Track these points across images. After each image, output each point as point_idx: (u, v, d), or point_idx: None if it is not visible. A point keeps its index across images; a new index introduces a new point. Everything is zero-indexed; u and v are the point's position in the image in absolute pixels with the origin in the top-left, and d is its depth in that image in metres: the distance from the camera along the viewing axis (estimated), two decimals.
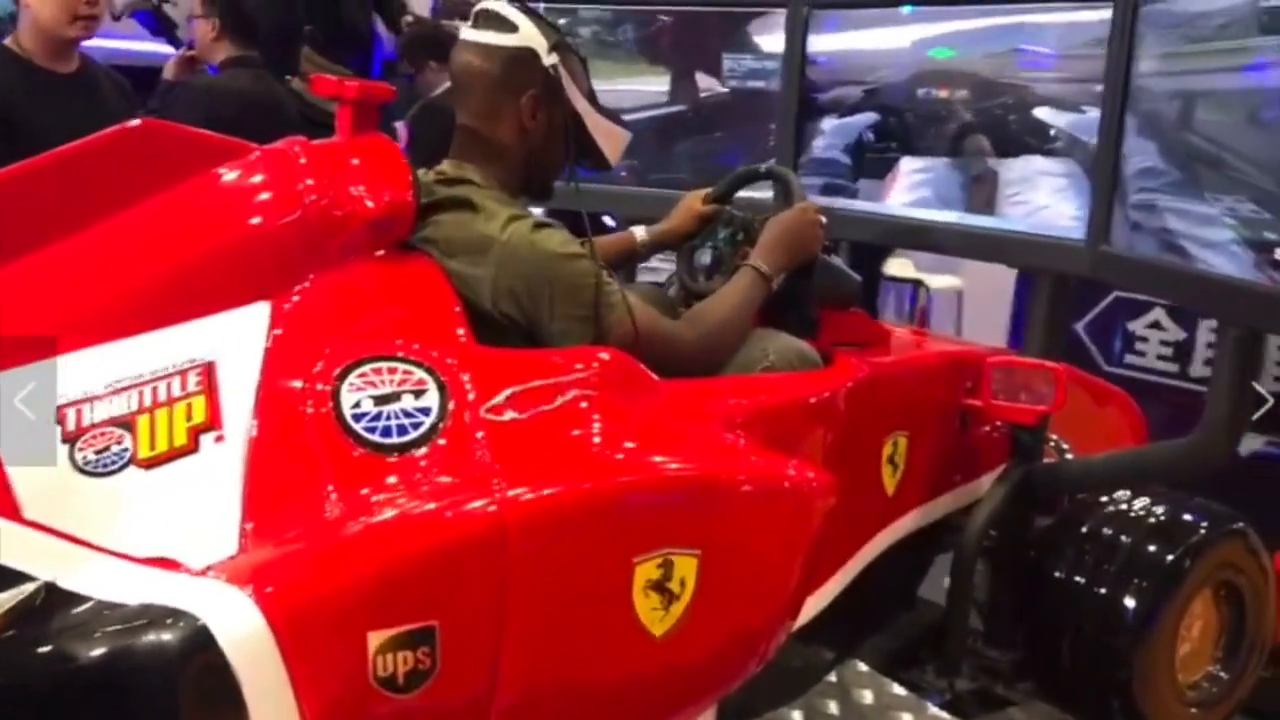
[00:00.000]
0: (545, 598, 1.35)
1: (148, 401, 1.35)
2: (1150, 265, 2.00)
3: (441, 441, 1.37)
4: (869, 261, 3.92)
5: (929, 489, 2.28)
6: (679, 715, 1.57)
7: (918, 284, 5.07)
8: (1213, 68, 1.90)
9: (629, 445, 1.49)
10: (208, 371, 1.38)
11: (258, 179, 1.54)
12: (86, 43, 2.94)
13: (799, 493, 1.62)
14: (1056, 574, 2.25)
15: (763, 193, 2.49)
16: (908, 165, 2.56)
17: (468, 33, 1.80)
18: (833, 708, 1.98)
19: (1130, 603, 2.15)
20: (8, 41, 2.88)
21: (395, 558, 1.26)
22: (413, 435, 1.37)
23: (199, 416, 1.34)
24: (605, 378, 1.53)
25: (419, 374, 1.42)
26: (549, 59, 1.75)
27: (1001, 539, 2.30)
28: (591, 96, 1.84)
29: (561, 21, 1.84)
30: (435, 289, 1.56)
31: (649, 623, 1.44)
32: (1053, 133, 2.29)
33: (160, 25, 4.18)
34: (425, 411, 1.39)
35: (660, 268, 2.69)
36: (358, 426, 1.36)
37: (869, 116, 2.61)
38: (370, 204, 1.54)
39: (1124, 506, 2.30)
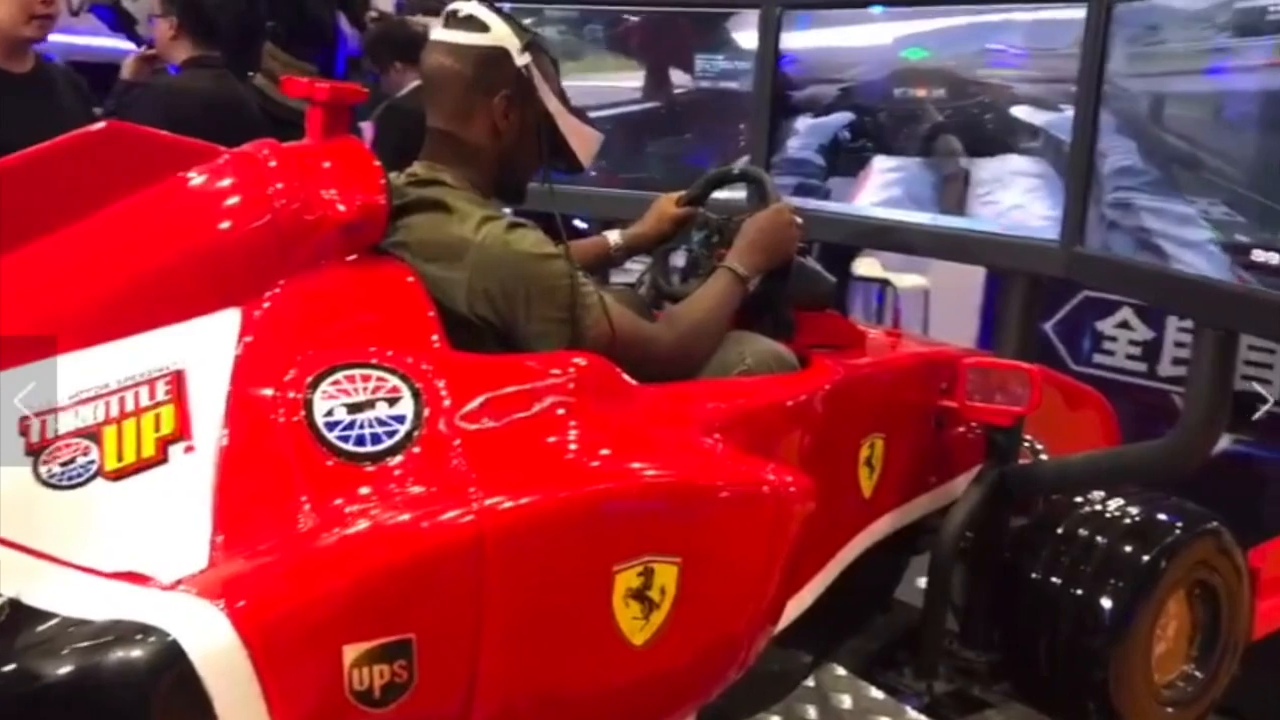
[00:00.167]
0: (524, 608, 1.33)
1: (114, 412, 1.32)
2: (1125, 266, 2.00)
3: (416, 450, 1.35)
4: (839, 262, 3.92)
5: (905, 491, 2.28)
6: None
7: (885, 283, 5.09)
8: (1187, 68, 1.90)
9: (607, 452, 1.47)
10: (176, 380, 1.35)
11: (227, 182, 1.51)
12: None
13: (779, 497, 1.61)
14: (1033, 575, 2.25)
15: (737, 194, 2.48)
16: (880, 164, 2.55)
17: (439, 33, 1.78)
18: (811, 713, 1.97)
19: (1106, 603, 2.16)
20: None
21: (370, 569, 1.24)
22: (387, 444, 1.35)
23: (168, 427, 1.31)
24: (582, 383, 1.51)
25: (393, 381, 1.40)
26: (521, 59, 1.73)
27: (977, 540, 2.30)
28: (563, 97, 1.82)
29: (527, 21, 1.82)
30: (409, 294, 1.53)
31: (629, 632, 1.42)
32: (1027, 132, 2.29)
33: (119, 21, 4.13)
34: (400, 419, 1.37)
35: (631, 268, 2.67)
36: (331, 435, 1.33)
37: (844, 116, 2.60)
38: (342, 208, 1.51)
39: (1099, 507, 2.30)
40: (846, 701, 2.02)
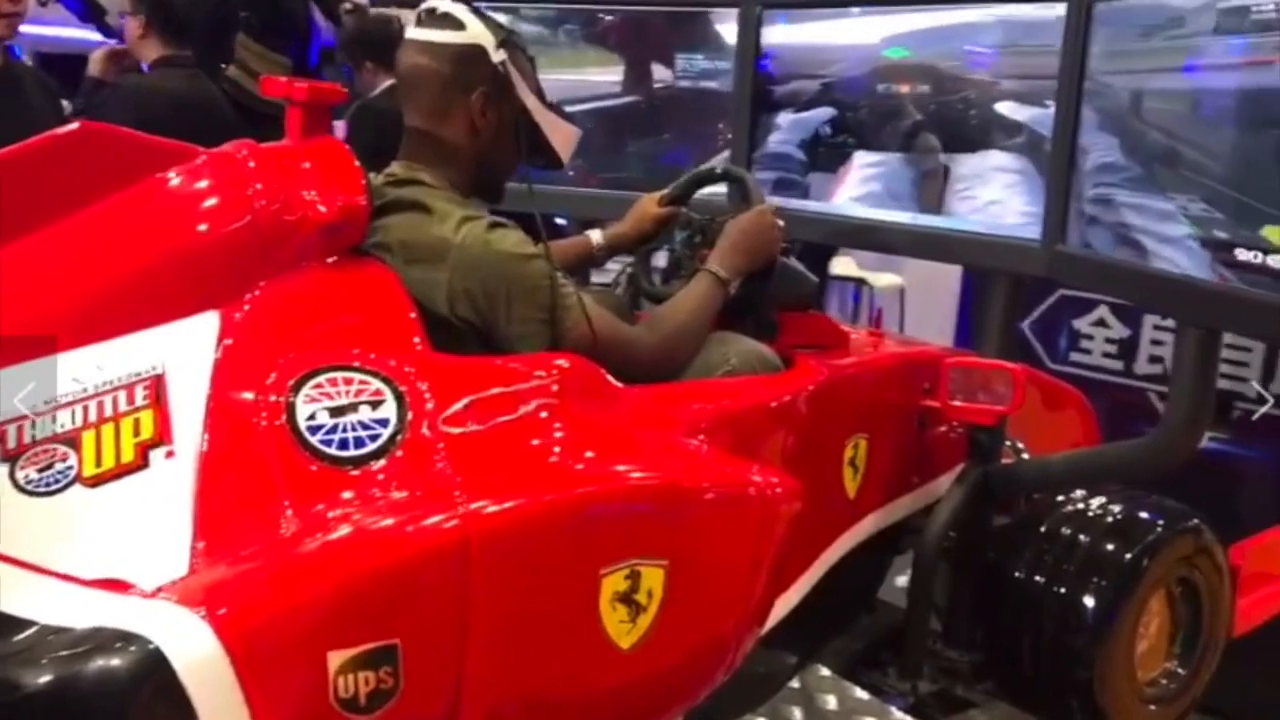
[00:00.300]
0: (510, 613, 1.32)
1: (93, 417, 1.30)
2: (1107, 265, 2.00)
3: (400, 454, 1.34)
4: (816, 261, 3.93)
5: (889, 491, 2.27)
6: None
7: (861, 282, 5.11)
8: (1168, 65, 1.91)
9: (593, 454, 1.46)
10: (156, 384, 1.33)
11: (205, 183, 1.49)
12: None
13: (765, 498, 1.60)
14: (1016, 574, 2.25)
15: (718, 192, 2.47)
16: (860, 160, 2.55)
17: (414, 32, 1.76)
18: (797, 714, 1.97)
19: (1090, 602, 2.16)
20: None
21: (355, 575, 1.22)
22: (370, 448, 1.33)
23: (147, 431, 1.29)
24: (566, 385, 1.50)
25: (375, 384, 1.39)
26: (497, 56, 1.72)
27: (960, 540, 2.30)
28: (540, 93, 1.82)
29: (502, 19, 1.81)
30: (390, 295, 1.52)
31: (616, 635, 1.41)
32: (1007, 128, 2.29)
33: (89, 12, 4.07)
34: (383, 423, 1.35)
35: (610, 268, 2.67)
36: (313, 439, 1.32)
37: (825, 111, 2.59)
38: (323, 208, 1.49)
39: (1081, 506, 2.31)
40: (832, 702, 2.02)
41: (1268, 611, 2.53)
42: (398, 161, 1.76)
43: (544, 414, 1.46)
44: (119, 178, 1.46)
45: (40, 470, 1.25)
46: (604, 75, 2.91)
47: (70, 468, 1.26)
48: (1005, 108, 2.28)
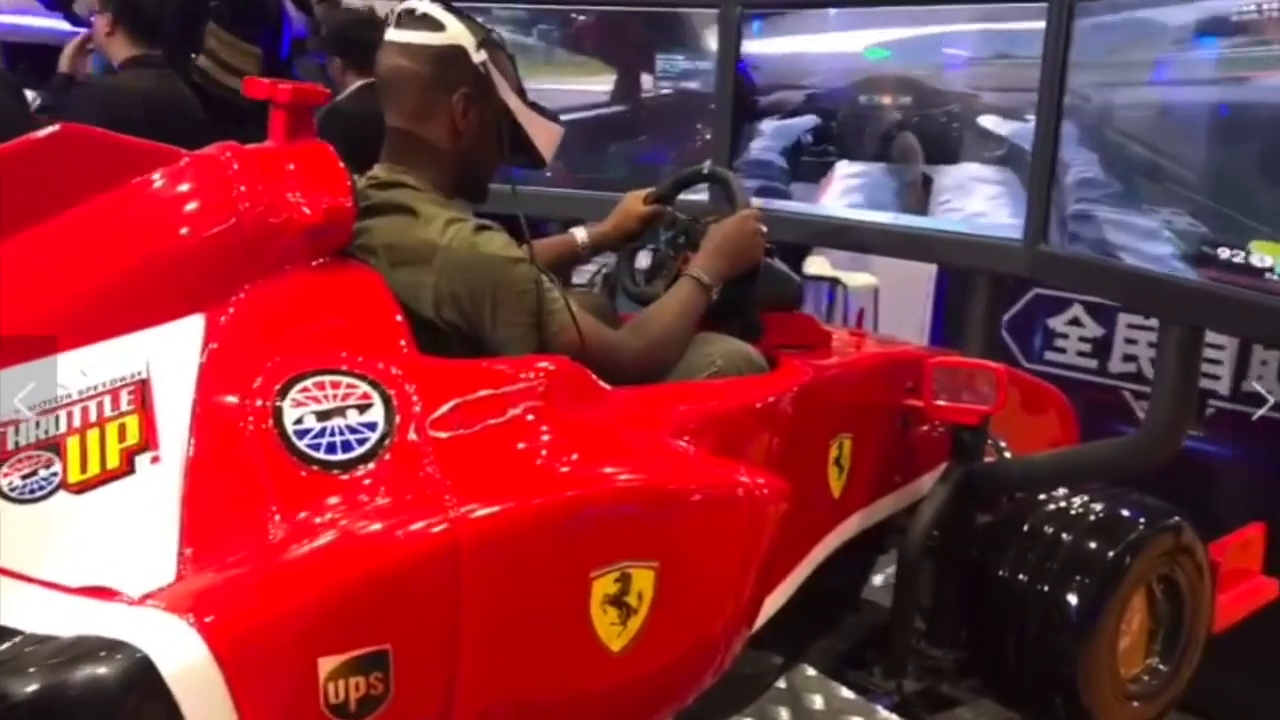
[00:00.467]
0: (501, 617, 1.32)
1: (77, 422, 1.28)
2: (1089, 264, 2.02)
3: (388, 457, 1.33)
4: (791, 262, 3.93)
5: (873, 490, 2.28)
6: None
7: (835, 282, 5.12)
8: (1148, 79, 1.92)
9: (582, 456, 1.46)
10: (141, 389, 1.32)
11: (189, 186, 1.48)
12: None
13: (753, 499, 1.60)
14: (1000, 573, 2.25)
15: (699, 194, 2.47)
16: (843, 169, 2.56)
17: (394, 34, 1.75)
18: (784, 715, 1.97)
19: (1073, 599, 2.17)
20: None
21: (344, 580, 1.22)
22: (358, 451, 1.32)
23: (133, 437, 1.28)
24: (554, 387, 1.50)
25: (363, 387, 1.38)
26: (478, 56, 1.71)
27: (944, 539, 2.30)
28: (522, 92, 1.81)
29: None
30: (376, 298, 1.51)
31: (607, 638, 1.41)
32: (989, 140, 2.31)
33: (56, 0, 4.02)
34: (371, 427, 1.35)
35: (585, 268, 2.66)
36: (301, 444, 1.31)
37: (807, 120, 2.60)
38: (308, 211, 1.48)
39: (1063, 504, 2.32)
40: (818, 702, 2.02)
41: (1246, 607, 2.55)
42: (380, 164, 1.75)
43: (532, 416, 1.45)
44: (101, 180, 1.44)
45: (24, 477, 1.24)
46: (581, 84, 2.90)
47: (55, 474, 1.24)
48: (987, 120, 2.30)
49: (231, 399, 1.33)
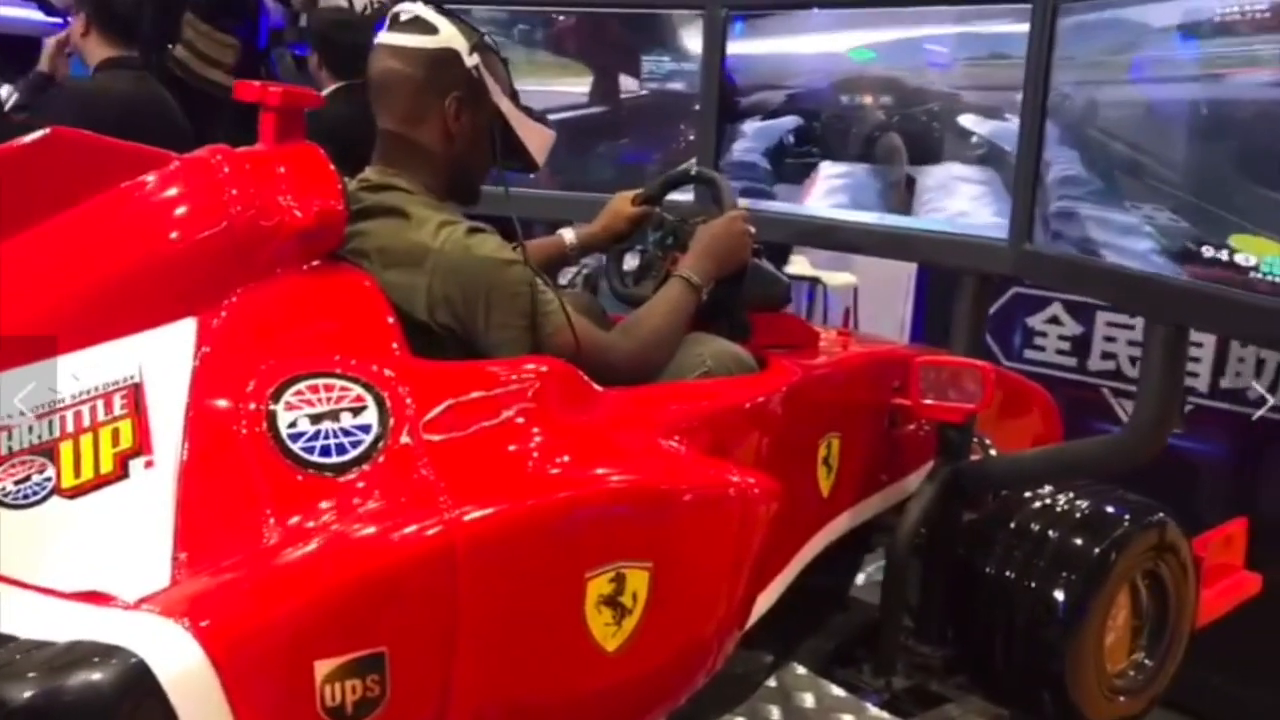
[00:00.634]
0: (496, 618, 1.32)
1: (70, 427, 1.28)
2: (1075, 264, 2.03)
3: (383, 460, 1.33)
4: (775, 262, 3.94)
5: (861, 489, 2.29)
6: None
7: (815, 281, 5.14)
8: (1130, 78, 1.93)
9: (575, 458, 1.46)
10: (134, 393, 1.32)
11: (180, 189, 1.47)
12: None
13: (745, 499, 1.61)
14: (987, 569, 2.27)
15: (685, 195, 2.48)
16: (827, 170, 2.57)
17: (386, 36, 1.75)
18: (775, 713, 1.98)
19: (1060, 596, 2.18)
20: None
21: (340, 583, 1.21)
22: (352, 454, 1.32)
23: (126, 441, 1.28)
24: (547, 388, 1.50)
25: (356, 390, 1.38)
26: (471, 60, 1.71)
27: (931, 536, 2.31)
28: (514, 96, 1.81)
29: None
30: (368, 300, 1.51)
31: (602, 638, 1.42)
32: (971, 140, 2.32)
33: None
34: (365, 429, 1.35)
35: (565, 269, 2.66)
36: (295, 447, 1.31)
37: (790, 121, 2.61)
38: (299, 214, 1.48)
39: (1049, 501, 2.33)
40: (809, 700, 2.03)
41: (1229, 602, 2.57)
42: (372, 166, 1.75)
43: (526, 418, 1.46)
44: (91, 184, 1.44)
45: (18, 482, 1.23)
46: (562, 86, 2.90)
47: (48, 479, 1.24)
48: (969, 120, 2.31)
49: (225, 403, 1.32)
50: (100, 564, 1.20)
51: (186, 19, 3.82)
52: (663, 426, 1.65)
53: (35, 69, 3.42)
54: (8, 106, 3.22)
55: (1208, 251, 1.70)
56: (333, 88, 3.56)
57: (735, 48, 2.66)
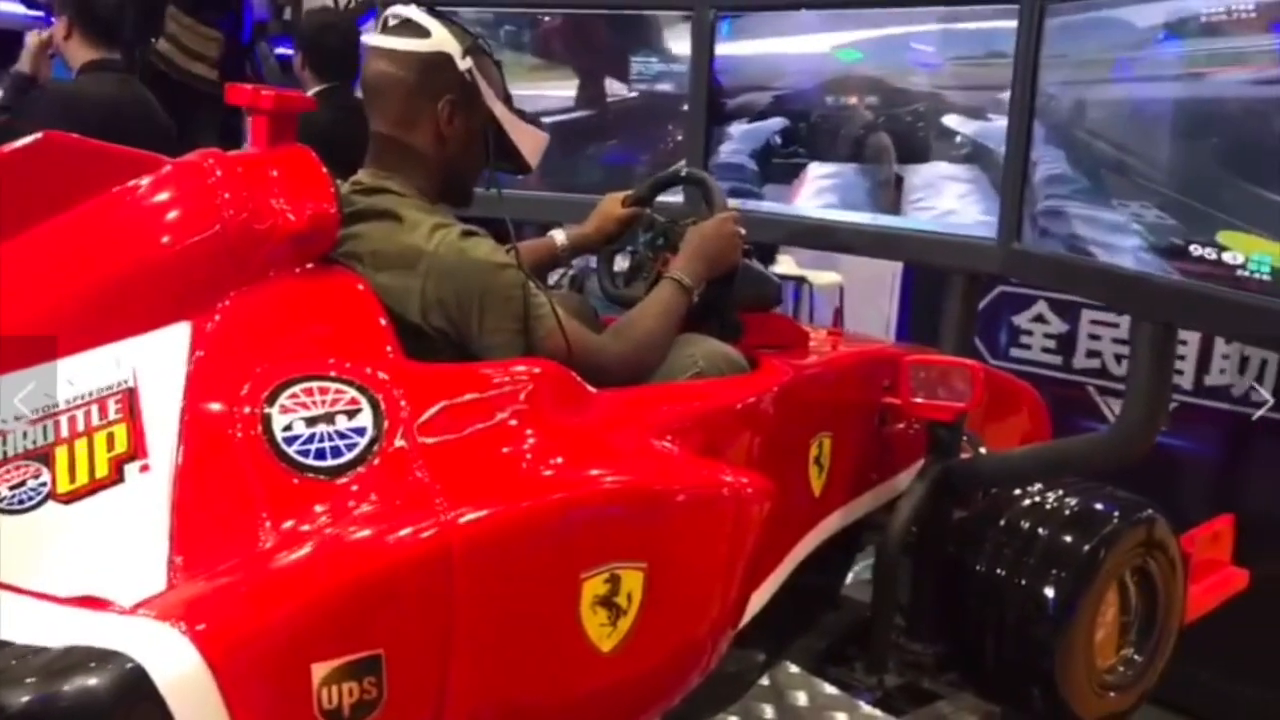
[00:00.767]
0: (492, 619, 1.32)
1: (65, 432, 1.28)
2: (1063, 262, 2.04)
3: (378, 462, 1.33)
4: (762, 261, 3.95)
5: (852, 488, 2.30)
6: None
7: (801, 280, 5.15)
8: (1120, 76, 1.95)
9: (570, 459, 1.46)
10: (128, 398, 1.32)
11: (173, 193, 1.47)
12: None
13: (738, 499, 1.62)
14: (977, 567, 2.28)
15: (675, 196, 2.48)
16: (815, 171, 2.58)
17: (378, 39, 1.75)
18: (769, 712, 1.98)
19: (1050, 593, 2.19)
20: None
21: (336, 585, 1.22)
22: (348, 457, 1.33)
23: (121, 446, 1.28)
24: (541, 390, 1.51)
25: (351, 393, 1.38)
26: (464, 63, 1.71)
27: (922, 534, 2.32)
28: (508, 99, 1.81)
29: None
30: (362, 303, 1.51)
31: (597, 639, 1.42)
32: (958, 139, 2.33)
33: None
34: (360, 432, 1.35)
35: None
36: (290, 450, 1.31)
37: (776, 122, 2.62)
38: (292, 217, 1.48)
39: (1039, 499, 2.34)
40: (802, 699, 2.03)
41: (1217, 598, 2.59)
42: (364, 169, 1.75)
43: (520, 419, 1.46)
44: (84, 188, 1.44)
45: (12, 487, 1.23)
46: (550, 87, 2.90)
47: (44, 484, 1.24)
48: (956, 119, 2.32)
49: (219, 406, 1.33)
50: (96, 569, 1.20)
51: (170, 12, 3.79)
52: (656, 427, 1.66)
53: (15, 69, 3.39)
54: None
55: (1195, 249, 1.72)
56: (317, 89, 3.56)
57: (721, 49, 2.66)
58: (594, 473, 1.47)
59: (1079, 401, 3.33)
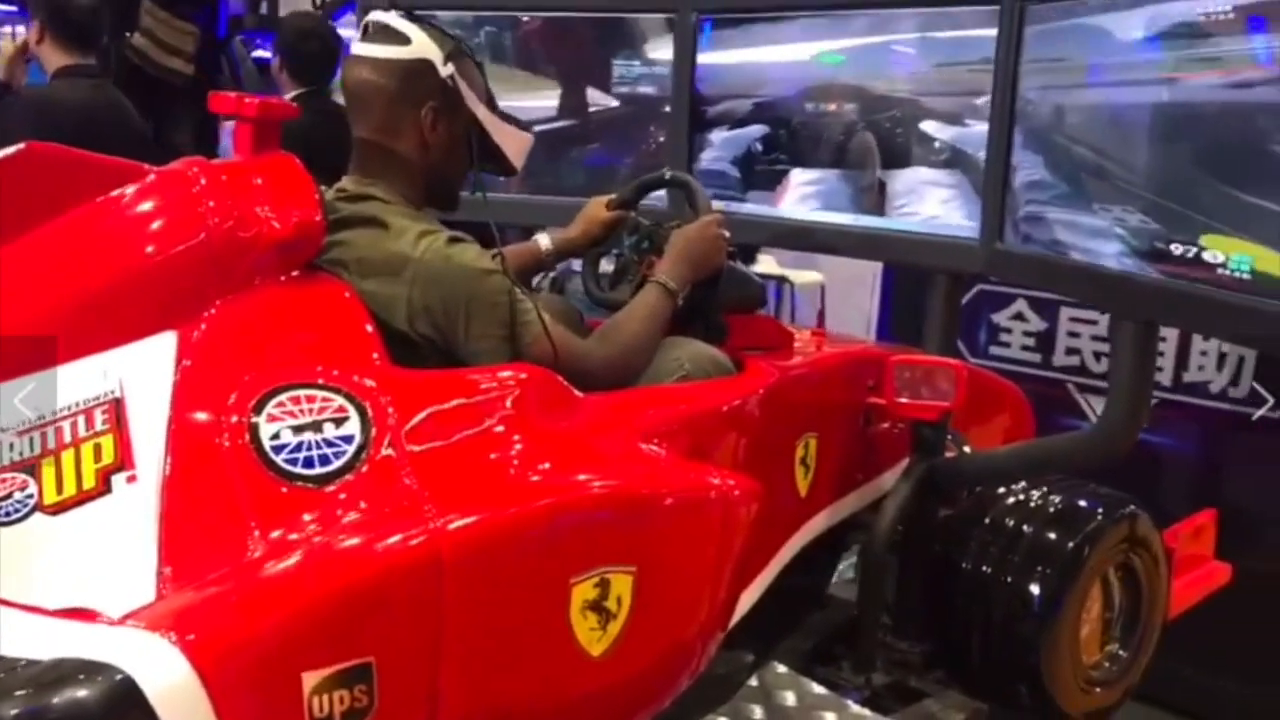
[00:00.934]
0: (483, 625, 1.32)
1: (52, 443, 1.28)
2: (1045, 261, 2.06)
3: (366, 470, 1.33)
4: (744, 262, 3.96)
5: (838, 488, 2.31)
6: None
7: (782, 280, 5.16)
8: (1095, 82, 1.96)
9: (557, 464, 1.47)
10: (115, 408, 1.31)
11: (157, 202, 1.47)
12: None
13: (726, 501, 1.62)
14: (963, 565, 2.29)
15: (658, 200, 2.49)
16: (798, 177, 2.59)
17: (359, 47, 1.75)
18: (758, 712, 1.99)
19: (1035, 590, 2.21)
20: None
21: (326, 594, 1.22)
22: (336, 465, 1.33)
23: (108, 456, 1.27)
24: (528, 395, 1.51)
25: (338, 401, 1.38)
26: (445, 69, 1.71)
27: (907, 533, 2.33)
28: (491, 102, 1.81)
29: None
30: (348, 310, 1.51)
31: (587, 643, 1.42)
32: (938, 144, 2.34)
33: None
34: (347, 439, 1.35)
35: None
36: (278, 458, 1.31)
37: (757, 129, 2.63)
38: (277, 225, 1.47)
39: (1023, 497, 2.36)
40: (790, 699, 2.04)
41: (1200, 592, 2.61)
42: (349, 175, 1.75)
43: (507, 425, 1.46)
44: (68, 198, 1.43)
45: None
46: (532, 91, 2.90)
47: (30, 496, 1.24)
48: (936, 125, 2.34)
49: (206, 415, 1.32)
50: (85, 580, 1.20)
51: (145, 6, 3.76)
52: (642, 431, 1.66)
53: None
54: None
55: (1176, 249, 1.73)
56: (294, 93, 3.56)
57: (703, 58, 2.67)
58: (582, 477, 1.47)
59: (1058, 399, 3.35)
